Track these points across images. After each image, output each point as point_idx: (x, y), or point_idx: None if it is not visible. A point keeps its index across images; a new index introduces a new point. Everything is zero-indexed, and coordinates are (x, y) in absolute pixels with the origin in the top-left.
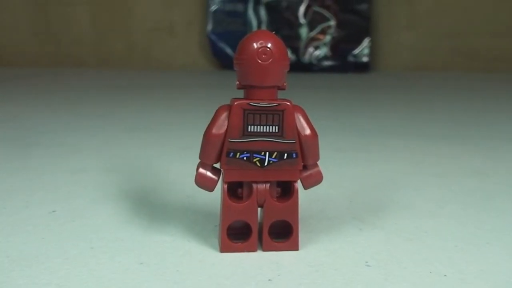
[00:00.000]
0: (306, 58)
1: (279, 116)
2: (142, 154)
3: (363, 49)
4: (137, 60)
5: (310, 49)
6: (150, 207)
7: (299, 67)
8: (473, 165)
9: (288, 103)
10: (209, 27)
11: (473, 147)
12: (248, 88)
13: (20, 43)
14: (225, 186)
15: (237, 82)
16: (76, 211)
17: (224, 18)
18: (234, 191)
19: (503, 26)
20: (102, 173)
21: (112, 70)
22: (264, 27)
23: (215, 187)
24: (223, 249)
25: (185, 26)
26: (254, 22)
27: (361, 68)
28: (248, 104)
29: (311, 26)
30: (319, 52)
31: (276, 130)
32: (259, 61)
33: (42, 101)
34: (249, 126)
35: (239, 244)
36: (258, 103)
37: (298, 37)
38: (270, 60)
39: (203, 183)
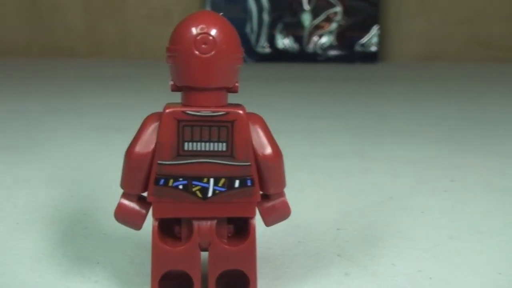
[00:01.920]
0: (310, 47)
1: (228, 129)
2: (104, 160)
3: (371, 38)
4: (131, 49)
5: (314, 38)
6: (83, 236)
7: (302, 57)
8: (492, 178)
9: (240, 111)
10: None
11: (494, 154)
12: (185, 91)
13: (10, 32)
14: (155, 223)
15: (171, 82)
16: None
17: (222, 4)
18: (170, 229)
19: None
20: (44, 185)
21: (104, 60)
22: (265, 14)
23: (142, 223)
24: None
25: (182, 13)
26: (254, 9)
27: (369, 58)
28: (184, 112)
29: (316, 13)
30: (324, 41)
31: (224, 149)
32: (198, 53)
33: (17, 92)
34: (186, 144)
35: None
36: (198, 112)
37: (301, 25)
38: (213, 52)
39: (126, 219)
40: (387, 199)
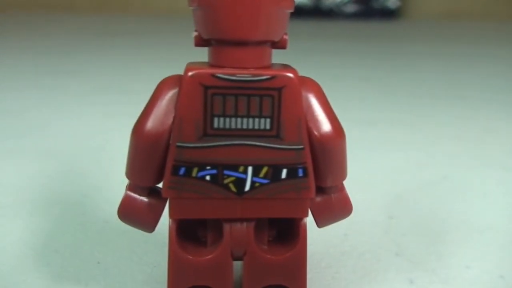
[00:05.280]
0: (326, 2)
1: (273, 99)
2: (106, 128)
3: None
4: (135, 4)
5: None
6: (80, 225)
7: (317, 12)
8: None
9: (291, 74)
10: None
11: None
12: (215, 45)
13: None
14: (173, 226)
15: (195, 33)
16: None
17: None
18: (191, 233)
19: None
20: (35, 158)
21: (106, 15)
22: None
23: (155, 224)
24: None
25: None
26: None
27: (389, 14)
28: (213, 76)
29: None
30: None
31: (268, 127)
32: None
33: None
34: (216, 119)
35: None
36: (233, 75)
37: None
38: None
39: (133, 218)
40: (441, 179)
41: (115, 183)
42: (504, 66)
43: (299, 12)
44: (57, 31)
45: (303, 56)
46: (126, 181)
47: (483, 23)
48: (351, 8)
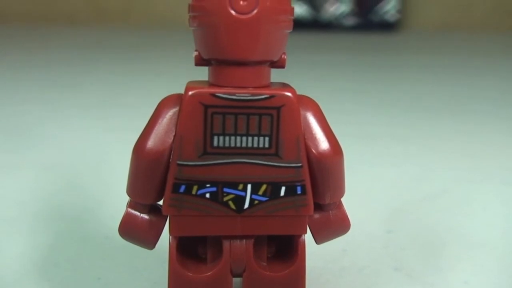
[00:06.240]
0: (325, 15)
1: (272, 118)
2: (107, 141)
3: (391, 5)
4: (135, 15)
5: (330, 5)
6: (81, 239)
7: (316, 25)
8: None
9: (289, 94)
10: None
11: None
12: (215, 65)
13: None
14: (174, 243)
15: (196, 52)
16: None
17: None
18: (191, 250)
19: None
20: (37, 173)
21: (107, 27)
22: None
23: (156, 241)
24: None
25: None
26: None
27: (389, 26)
28: (213, 95)
29: None
30: (341, 8)
31: (267, 145)
32: (234, 13)
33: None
34: (216, 138)
35: None
36: (233, 94)
37: None
38: (255, 10)
39: (134, 235)
40: (440, 192)
41: (116, 198)
42: (503, 78)
43: (298, 25)
44: (57, 44)
45: (302, 68)
46: (126, 196)
47: (482, 34)
48: (350, 20)
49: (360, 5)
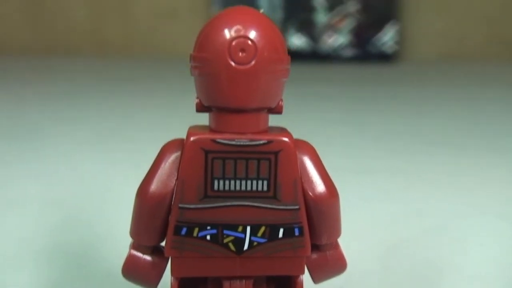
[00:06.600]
0: (324, 46)
1: (270, 162)
2: (111, 176)
3: (388, 36)
4: (137, 48)
5: (328, 36)
6: (83, 278)
7: (315, 56)
8: None
9: (286, 139)
10: (215, 10)
11: None
12: (215, 112)
13: (13, 30)
14: (175, 283)
15: (197, 100)
16: None
17: (231, 0)
18: None
19: None
20: (39, 207)
21: (109, 59)
22: (278, 12)
23: (158, 281)
24: None
25: (189, 10)
26: (265, 5)
27: (387, 57)
28: (214, 141)
29: (330, 9)
30: (339, 40)
31: (265, 188)
32: (233, 64)
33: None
34: (216, 182)
35: None
36: (232, 140)
37: (314, 22)
38: (253, 61)
39: (137, 276)
40: (437, 227)
41: (119, 234)
42: (503, 109)
43: (297, 56)
44: (59, 75)
45: (300, 100)
46: (128, 232)
47: (476, 65)
48: (348, 52)
49: (358, 37)
